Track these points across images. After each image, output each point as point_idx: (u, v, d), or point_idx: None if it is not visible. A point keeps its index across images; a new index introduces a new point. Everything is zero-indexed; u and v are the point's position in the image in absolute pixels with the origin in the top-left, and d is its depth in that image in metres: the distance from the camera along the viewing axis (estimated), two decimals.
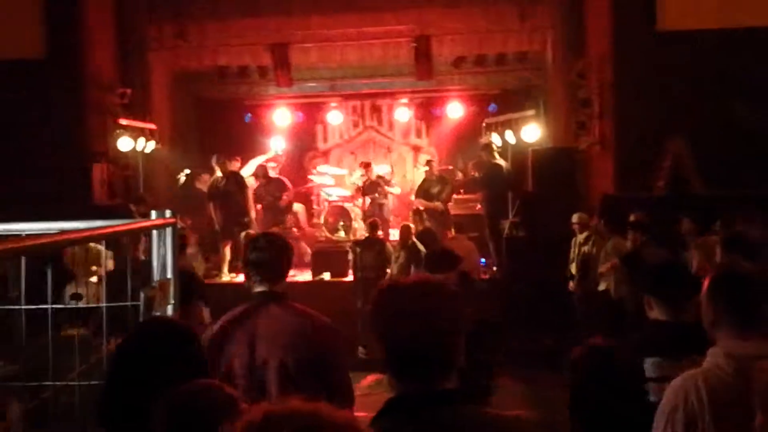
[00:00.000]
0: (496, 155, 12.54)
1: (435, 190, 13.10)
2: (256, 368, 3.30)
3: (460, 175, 13.39)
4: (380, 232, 11.23)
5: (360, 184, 14.02)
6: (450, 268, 5.27)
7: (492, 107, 15.30)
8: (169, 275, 2.98)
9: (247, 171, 13.55)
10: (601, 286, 9.48)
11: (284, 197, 13.39)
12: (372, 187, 13.58)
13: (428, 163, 13.79)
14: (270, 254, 3.50)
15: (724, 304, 2.63)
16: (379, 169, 14.75)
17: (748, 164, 10.81)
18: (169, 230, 3.15)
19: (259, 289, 3.51)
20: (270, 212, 13.22)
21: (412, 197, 14.23)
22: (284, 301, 3.52)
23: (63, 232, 2.50)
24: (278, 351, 3.30)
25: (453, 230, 10.77)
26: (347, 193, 14.70)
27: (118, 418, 2.08)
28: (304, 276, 12.04)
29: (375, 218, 11.56)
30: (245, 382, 3.25)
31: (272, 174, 13.87)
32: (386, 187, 13.76)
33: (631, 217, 9.23)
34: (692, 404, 2.48)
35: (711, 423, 2.44)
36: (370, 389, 8.41)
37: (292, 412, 1.10)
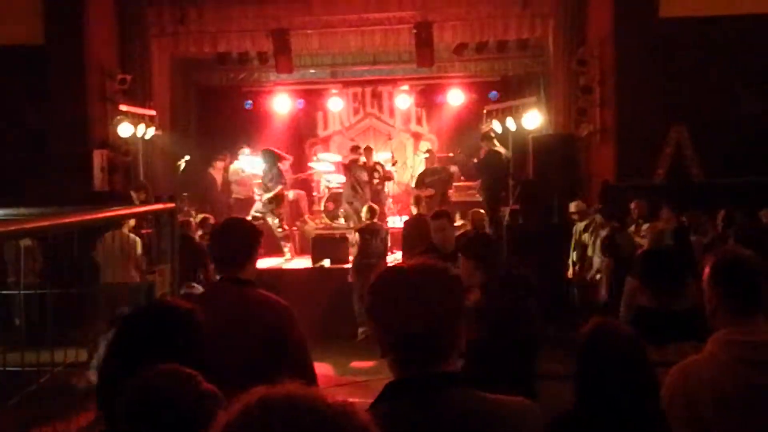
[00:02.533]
0: (496, 142, 12.51)
1: (429, 180, 13.10)
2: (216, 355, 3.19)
3: (455, 168, 13.38)
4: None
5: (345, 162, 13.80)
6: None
7: (493, 94, 15.26)
8: (170, 259, 2.98)
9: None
10: (598, 276, 9.48)
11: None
12: (370, 172, 13.43)
13: (429, 152, 13.75)
14: (230, 241, 3.45)
15: (725, 290, 2.59)
16: (381, 156, 14.70)
17: (748, 153, 10.80)
18: (168, 216, 3.15)
19: (220, 275, 3.47)
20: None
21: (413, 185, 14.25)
22: (242, 287, 3.42)
23: (64, 215, 2.50)
24: (235, 337, 3.20)
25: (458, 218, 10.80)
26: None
27: (112, 400, 2.07)
28: (305, 263, 12.05)
29: (372, 204, 11.55)
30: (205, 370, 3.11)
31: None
32: (383, 176, 13.59)
33: (632, 205, 9.22)
34: (693, 391, 2.46)
35: (713, 410, 2.42)
36: (368, 375, 8.44)
37: (289, 396, 1.08)
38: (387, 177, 13.52)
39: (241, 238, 3.44)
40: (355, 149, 13.37)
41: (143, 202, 10.57)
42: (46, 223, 2.11)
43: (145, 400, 1.77)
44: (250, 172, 13.52)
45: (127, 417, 1.79)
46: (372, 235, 10.47)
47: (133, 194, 11.29)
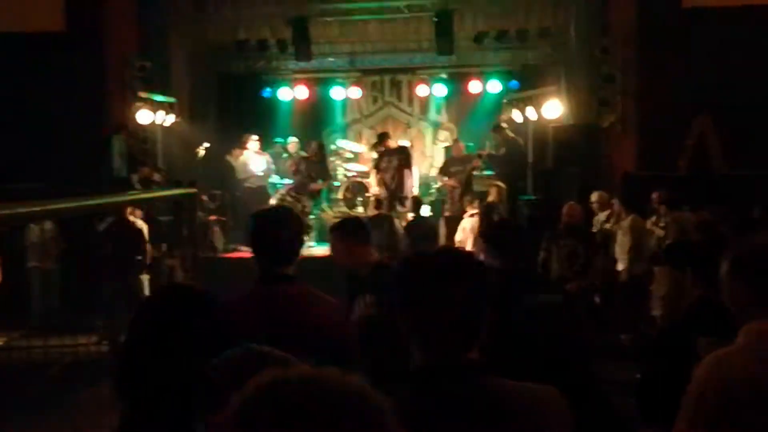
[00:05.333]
0: (509, 132, 12.44)
1: (454, 169, 13.06)
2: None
3: (477, 161, 13.33)
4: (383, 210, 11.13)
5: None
6: None
7: (513, 84, 15.16)
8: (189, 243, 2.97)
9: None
10: (619, 266, 9.40)
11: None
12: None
13: (455, 143, 13.69)
14: (281, 233, 3.13)
15: (755, 281, 2.55)
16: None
17: None
18: (188, 201, 3.13)
19: (268, 270, 3.17)
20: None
21: (432, 173, 14.23)
22: (295, 284, 3.19)
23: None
24: (294, 339, 2.86)
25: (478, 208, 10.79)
26: (365, 168, 14.64)
27: (134, 385, 2.07)
28: (323, 251, 12.02)
29: (379, 194, 11.51)
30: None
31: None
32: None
33: (654, 195, 9.14)
34: (726, 385, 2.42)
35: (748, 402, 2.38)
36: None
37: (302, 376, 1.07)
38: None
39: (294, 229, 3.17)
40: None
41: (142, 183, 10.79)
42: (69, 205, 2.10)
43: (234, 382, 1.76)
44: (254, 169, 13.52)
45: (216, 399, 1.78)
46: (373, 226, 10.36)
47: (133, 177, 11.42)
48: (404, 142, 14.91)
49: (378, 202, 10.82)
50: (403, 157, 12.61)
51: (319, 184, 13.02)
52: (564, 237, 8.28)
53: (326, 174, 13.34)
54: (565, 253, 8.18)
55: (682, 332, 3.24)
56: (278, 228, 3.12)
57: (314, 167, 12.98)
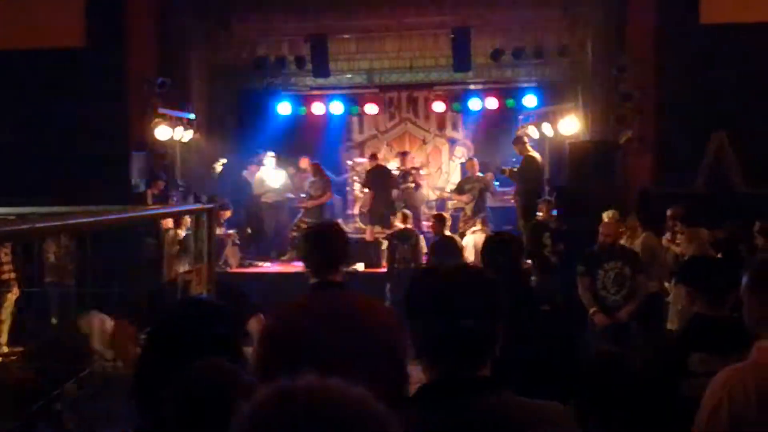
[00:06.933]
0: (529, 147, 12.44)
1: (468, 186, 13.11)
2: (326, 359, 2.96)
3: (491, 175, 13.36)
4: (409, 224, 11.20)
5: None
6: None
7: (530, 100, 15.13)
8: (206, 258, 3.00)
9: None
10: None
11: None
12: (404, 177, 13.55)
13: (469, 161, 13.77)
14: (330, 244, 3.44)
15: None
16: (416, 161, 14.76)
17: None
18: (205, 216, 3.17)
19: (317, 279, 3.39)
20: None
21: (449, 188, 14.25)
22: (344, 289, 3.44)
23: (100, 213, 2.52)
24: (350, 340, 3.14)
25: (481, 224, 10.83)
26: None
27: (149, 396, 2.09)
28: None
29: (405, 209, 11.57)
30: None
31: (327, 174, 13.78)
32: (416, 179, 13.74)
33: (669, 212, 9.07)
34: (738, 400, 2.42)
35: (759, 420, 2.38)
36: None
37: (309, 387, 1.09)
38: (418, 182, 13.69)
39: (341, 241, 3.48)
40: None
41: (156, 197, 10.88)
42: (87, 220, 2.13)
43: (189, 393, 1.79)
44: (272, 185, 13.60)
45: (172, 411, 1.81)
46: (400, 240, 10.46)
47: (147, 193, 11.58)
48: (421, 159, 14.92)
49: (404, 216, 10.88)
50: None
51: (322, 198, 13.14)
52: (608, 259, 7.62)
53: (327, 186, 13.42)
54: (612, 276, 7.58)
55: (678, 348, 3.28)
56: (327, 240, 3.41)
57: (316, 184, 13.14)
